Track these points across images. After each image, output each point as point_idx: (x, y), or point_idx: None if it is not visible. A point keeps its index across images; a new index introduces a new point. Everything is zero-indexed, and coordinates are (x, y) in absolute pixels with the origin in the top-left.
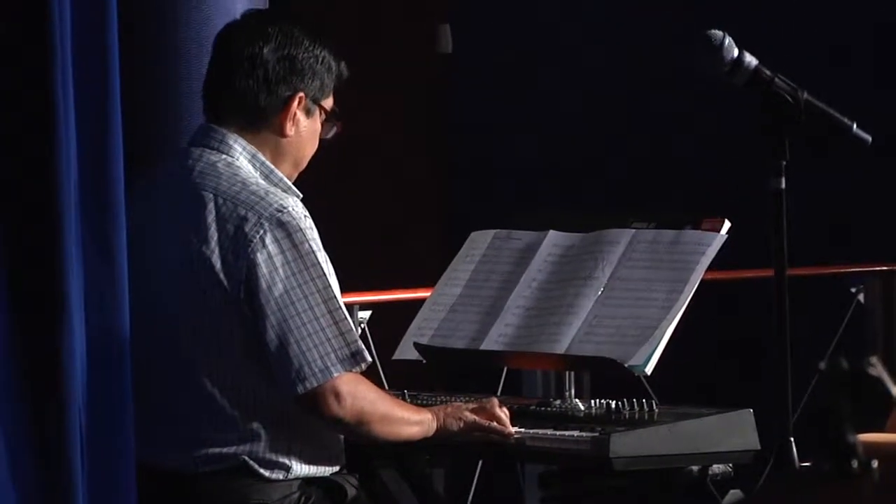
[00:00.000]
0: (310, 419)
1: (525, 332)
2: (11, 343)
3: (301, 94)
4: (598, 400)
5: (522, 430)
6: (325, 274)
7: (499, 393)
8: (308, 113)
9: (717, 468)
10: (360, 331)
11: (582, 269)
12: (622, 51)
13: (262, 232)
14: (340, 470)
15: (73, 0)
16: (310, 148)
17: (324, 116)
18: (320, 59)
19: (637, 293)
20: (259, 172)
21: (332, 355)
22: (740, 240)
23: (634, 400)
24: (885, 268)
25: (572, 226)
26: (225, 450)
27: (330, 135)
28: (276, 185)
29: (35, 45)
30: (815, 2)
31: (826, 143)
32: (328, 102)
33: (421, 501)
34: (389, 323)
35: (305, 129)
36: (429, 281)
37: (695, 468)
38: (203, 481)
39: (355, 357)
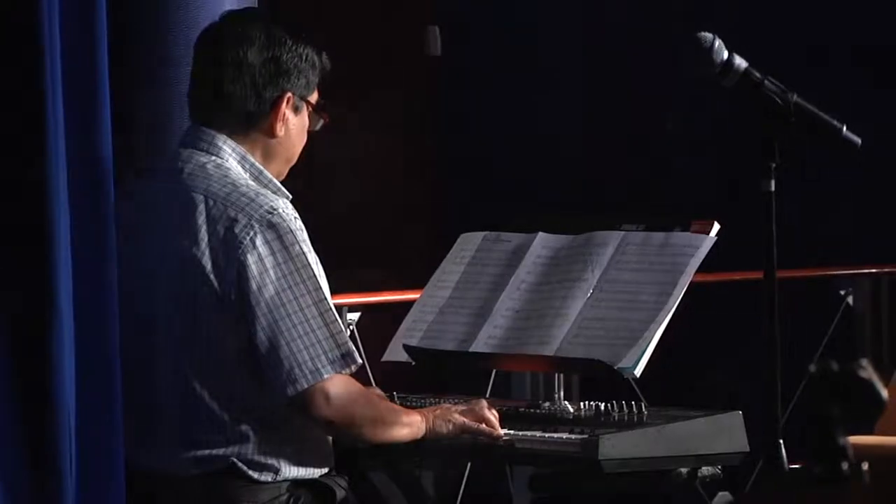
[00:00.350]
0: (299, 421)
1: (514, 334)
2: (0, 347)
3: (289, 94)
4: (587, 402)
5: (511, 432)
6: (315, 275)
7: (488, 395)
8: (296, 111)
9: (706, 470)
10: (348, 332)
11: (571, 271)
12: (615, 52)
13: (252, 234)
14: (329, 472)
15: (62, 1)
16: (300, 144)
17: (310, 110)
18: (304, 57)
19: (626, 295)
20: (249, 174)
21: (323, 357)
22: (730, 242)
23: (623, 402)
24: (873, 270)
25: (562, 227)
26: (214, 452)
27: (318, 127)
28: (265, 186)
29: (24, 46)
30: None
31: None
32: (314, 97)
33: (410, 503)
34: (379, 325)
35: (295, 127)
36: (419, 283)
37: (684, 470)
38: (192, 483)
39: (345, 358)
